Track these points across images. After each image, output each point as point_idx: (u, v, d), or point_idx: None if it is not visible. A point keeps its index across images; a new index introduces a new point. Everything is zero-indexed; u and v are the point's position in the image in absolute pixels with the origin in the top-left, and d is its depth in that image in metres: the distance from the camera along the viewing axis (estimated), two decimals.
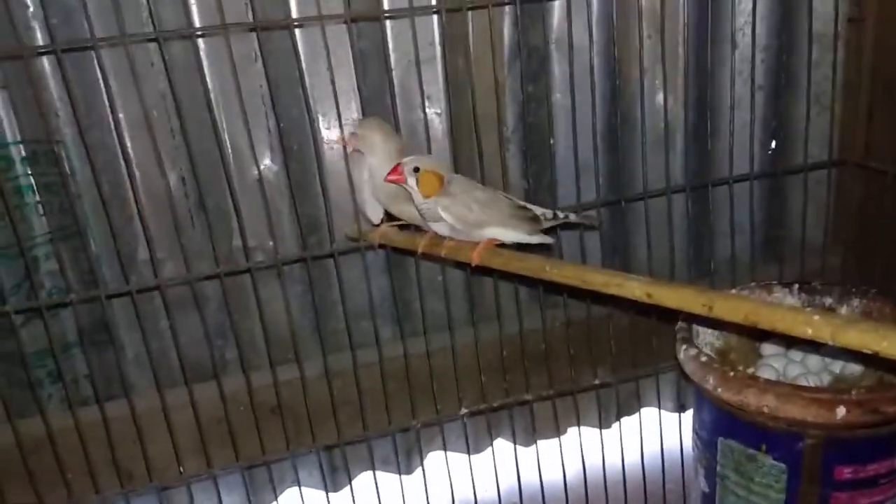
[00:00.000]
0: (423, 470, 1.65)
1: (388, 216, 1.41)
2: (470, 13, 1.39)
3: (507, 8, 1.53)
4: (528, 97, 1.59)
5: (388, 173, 1.23)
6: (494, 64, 1.47)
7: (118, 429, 1.37)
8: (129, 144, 1.41)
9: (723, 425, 1.30)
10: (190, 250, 1.37)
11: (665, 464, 1.62)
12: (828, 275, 1.64)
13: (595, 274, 1.12)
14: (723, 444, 1.30)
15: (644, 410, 1.74)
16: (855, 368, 1.38)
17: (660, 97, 1.63)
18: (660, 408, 1.65)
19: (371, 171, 1.33)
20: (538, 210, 1.31)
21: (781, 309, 0.94)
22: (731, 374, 1.22)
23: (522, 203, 1.31)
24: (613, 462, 1.63)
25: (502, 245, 1.29)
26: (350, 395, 1.50)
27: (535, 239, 1.30)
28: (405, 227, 1.41)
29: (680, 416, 1.75)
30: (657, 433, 1.62)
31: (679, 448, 1.64)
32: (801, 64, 1.60)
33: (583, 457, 1.61)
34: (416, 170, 1.22)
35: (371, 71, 1.52)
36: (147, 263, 1.49)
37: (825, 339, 0.88)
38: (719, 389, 1.23)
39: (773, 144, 1.74)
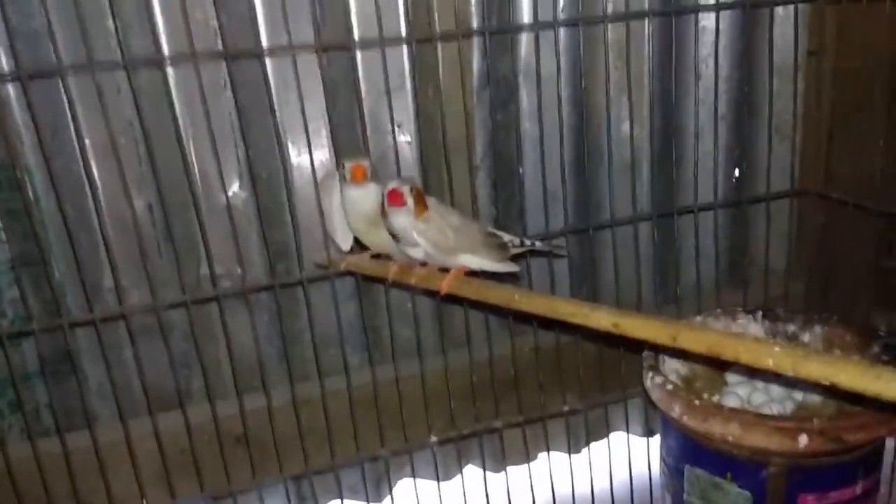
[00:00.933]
0: (392, 498, 1.63)
1: (358, 245, 1.40)
2: (440, 44, 1.40)
3: (476, 39, 1.55)
4: (497, 126, 1.60)
5: (389, 199, 1.21)
6: (464, 93, 1.48)
7: (79, 460, 1.34)
8: (95, 171, 1.40)
9: (689, 453, 1.31)
10: (156, 278, 1.35)
11: (634, 488, 1.63)
12: (791, 301, 1.68)
13: (563, 304, 1.13)
14: (689, 471, 1.31)
15: (613, 434, 1.75)
16: (816, 397, 1.40)
17: (626, 126, 1.65)
18: (628, 433, 1.66)
19: (355, 199, 1.31)
20: (506, 237, 1.32)
21: (745, 340, 0.96)
22: (697, 402, 1.23)
23: (492, 230, 1.32)
24: (583, 487, 1.63)
25: (472, 273, 1.29)
26: (318, 424, 1.48)
27: (503, 267, 1.30)
28: (375, 256, 1.41)
29: (648, 441, 1.76)
30: (626, 458, 1.63)
31: (647, 473, 1.65)
32: (763, 95, 1.65)
33: (552, 482, 1.61)
34: (411, 190, 1.22)
35: (341, 99, 1.52)
36: (112, 291, 1.47)
37: (786, 371, 0.89)
38: (685, 417, 1.24)
39: (737, 173, 1.77)
